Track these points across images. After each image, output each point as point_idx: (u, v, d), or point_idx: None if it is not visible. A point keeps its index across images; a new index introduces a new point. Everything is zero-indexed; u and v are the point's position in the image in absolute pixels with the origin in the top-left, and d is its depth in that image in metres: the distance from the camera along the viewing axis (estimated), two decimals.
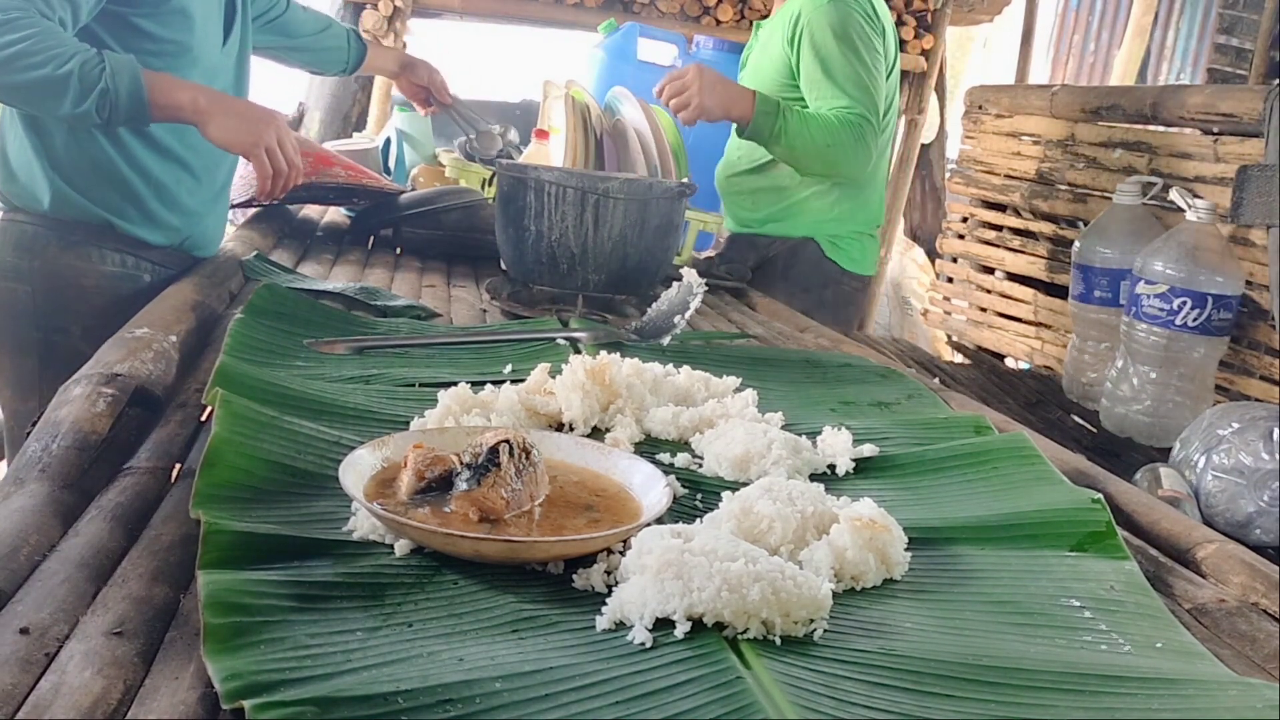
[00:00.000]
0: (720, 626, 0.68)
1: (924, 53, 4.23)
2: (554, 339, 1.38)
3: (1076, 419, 2.27)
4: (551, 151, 2.24)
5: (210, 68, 1.71)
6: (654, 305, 1.47)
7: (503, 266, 1.78)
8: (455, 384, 1.04)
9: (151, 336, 1.20)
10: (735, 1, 4.04)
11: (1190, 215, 2.03)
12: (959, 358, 3.12)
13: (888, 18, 2.26)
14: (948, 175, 3.42)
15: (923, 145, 4.65)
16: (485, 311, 1.68)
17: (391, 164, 2.65)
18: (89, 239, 1.67)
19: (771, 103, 2.04)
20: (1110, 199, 2.33)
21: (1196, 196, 2.13)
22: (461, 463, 0.81)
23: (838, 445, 1.02)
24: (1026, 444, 1.04)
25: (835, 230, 2.32)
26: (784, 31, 2.18)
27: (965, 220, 3.12)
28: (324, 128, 3.70)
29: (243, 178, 2.09)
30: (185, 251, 1.78)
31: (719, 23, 4.03)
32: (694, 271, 1.42)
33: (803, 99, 2.14)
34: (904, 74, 4.33)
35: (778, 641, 0.68)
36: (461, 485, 0.79)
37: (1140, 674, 0.67)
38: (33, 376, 1.67)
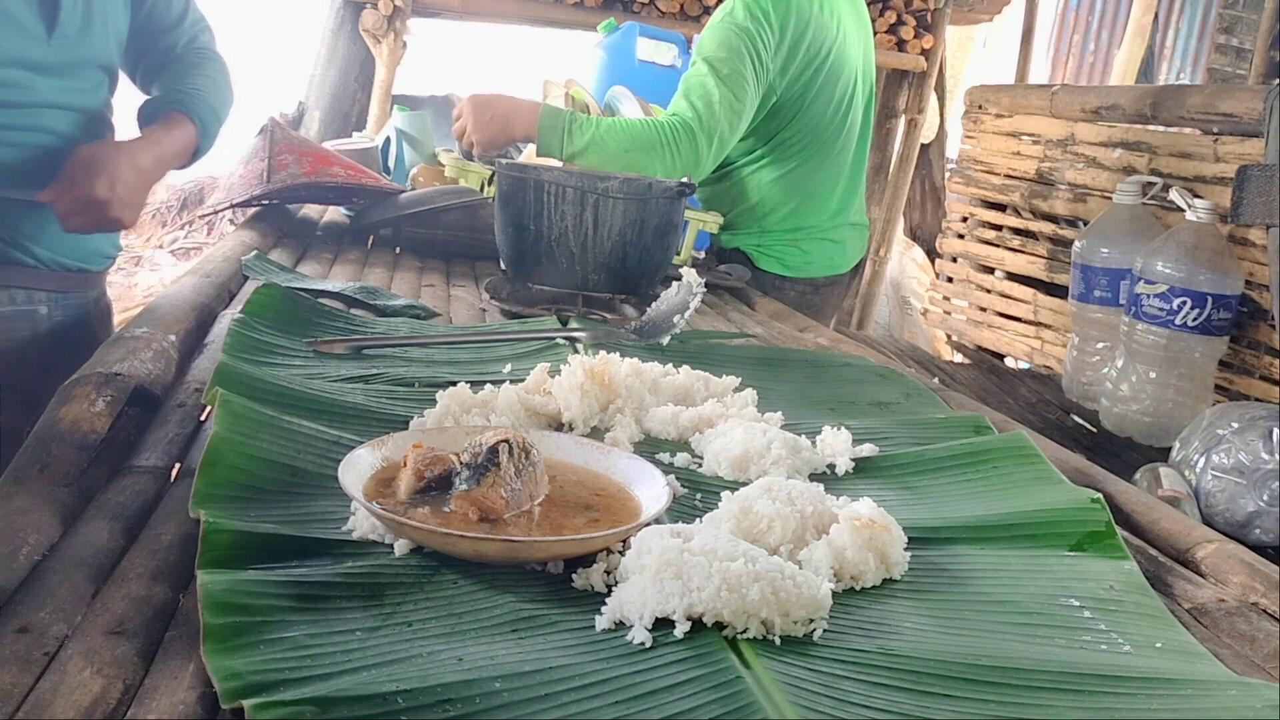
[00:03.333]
0: (720, 626, 0.68)
1: (924, 53, 4.23)
2: (553, 339, 1.38)
3: (1076, 419, 2.27)
4: None
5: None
6: (653, 305, 1.47)
7: (502, 266, 1.78)
8: (455, 384, 1.03)
9: (151, 336, 1.20)
10: None
11: (1190, 215, 2.03)
12: (959, 358, 3.12)
13: (818, 15, 2.13)
14: (948, 175, 3.43)
15: (923, 145, 4.65)
16: (485, 311, 1.68)
17: (391, 164, 2.65)
18: None
19: (558, 118, 1.98)
20: (1110, 199, 2.33)
21: (1196, 196, 2.13)
22: (461, 462, 0.81)
23: (837, 445, 1.02)
24: (1026, 444, 1.04)
25: (758, 239, 2.25)
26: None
27: (965, 220, 3.13)
28: (324, 127, 3.71)
29: (242, 176, 2.09)
30: (79, 268, 1.59)
31: None
32: (694, 271, 1.42)
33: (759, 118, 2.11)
34: (904, 74, 4.34)
35: (777, 641, 0.68)
36: (461, 485, 0.79)
37: (1140, 674, 0.67)
38: None
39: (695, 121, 1.99)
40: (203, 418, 1.03)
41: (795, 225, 2.27)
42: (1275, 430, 1.68)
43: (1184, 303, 1.98)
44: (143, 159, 1.52)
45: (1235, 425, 1.73)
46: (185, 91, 1.66)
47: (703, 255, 2.35)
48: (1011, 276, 2.90)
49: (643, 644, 0.66)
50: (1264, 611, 0.83)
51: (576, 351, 1.31)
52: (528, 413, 1.04)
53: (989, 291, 2.99)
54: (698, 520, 0.82)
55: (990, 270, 3.00)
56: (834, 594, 0.73)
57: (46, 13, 1.45)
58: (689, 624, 0.67)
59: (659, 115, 2.06)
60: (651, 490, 0.85)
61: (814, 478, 0.98)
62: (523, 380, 1.09)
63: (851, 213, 2.37)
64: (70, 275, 1.62)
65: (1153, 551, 0.93)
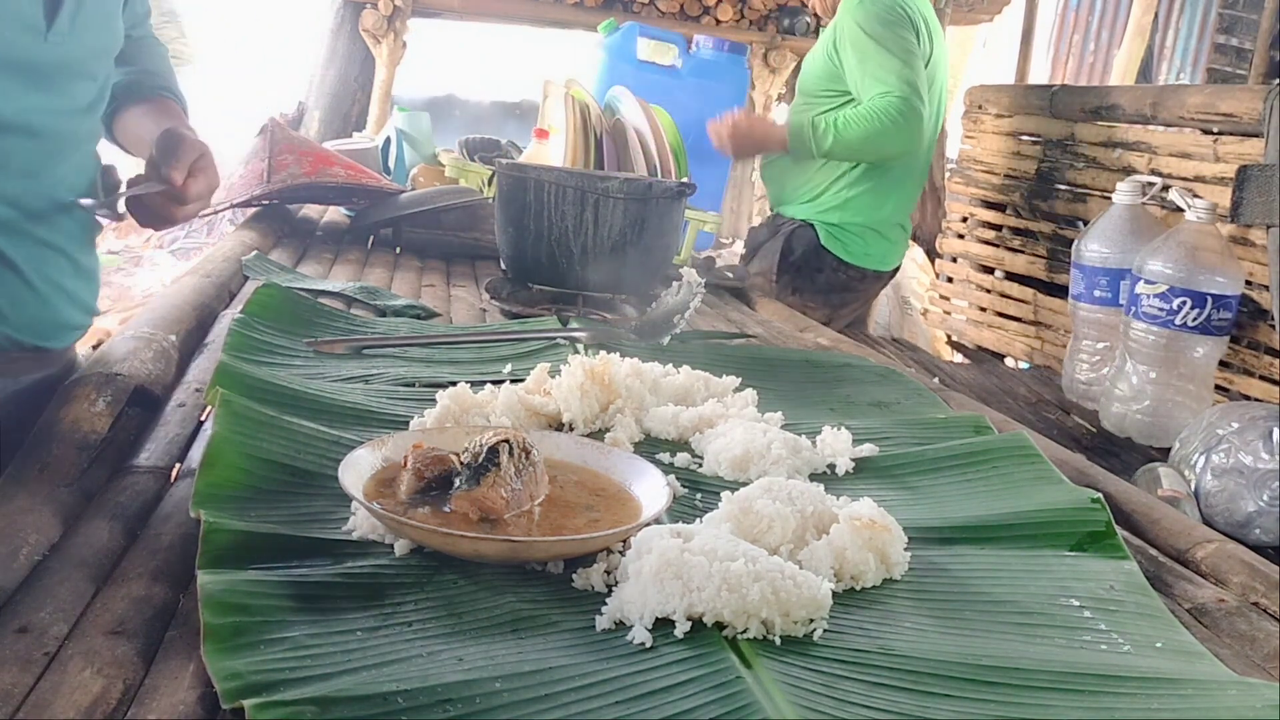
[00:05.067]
0: (720, 626, 0.68)
1: None
2: (554, 339, 1.38)
3: (1076, 419, 2.27)
4: (551, 151, 2.24)
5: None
6: (654, 305, 1.47)
7: (502, 266, 1.78)
8: (455, 384, 1.03)
9: (151, 336, 1.20)
10: (735, 1, 4.04)
11: (1190, 215, 2.03)
12: (959, 358, 3.12)
13: (923, 14, 2.39)
14: (948, 175, 3.42)
15: None
16: (485, 311, 1.68)
17: (391, 164, 2.65)
18: None
19: (802, 129, 2.28)
20: (1110, 199, 2.33)
21: (1196, 196, 2.13)
22: (461, 463, 0.81)
23: (837, 445, 1.02)
24: (1026, 444, 1.04)
25: (835, 219, 2.44)
26: (828, 38, 2.40)
27: (965, 220, 3.12)
28: (324, 127, 3.71)
29: (242, 177, 2.09)
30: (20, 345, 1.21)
31: (719, 22, 4.04)
32: (694, 271, 1.42)
33: (844, 100, 2.35)
34: None
35: (777, 641, 0.68)
36: (461, 485, 0.79)
37: (1140, 674, 0.67)
38: None
39: (911, 95, 2.25)
40: (203, 418, 1.03)
41: (870, 216, 2.48)
42: (1275, 430, 1.68)
43: (1184, 303, 1.98)
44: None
45: (1235, 425, 1.73)
46: (159, 74, 1.45)
47: (770, 215, 2.57)
48: (1011, 276, 2.90)
49: (643, 644, 0.66)
50: (1264, 611, 0.83)
51: (576, 351, 1.31)
52: (528, 413, 1.04)
53: (989, 291, 2.99)
54: (698, 520, 0.82)
55: (990, 270, 3.00)
56: (834, 594, 0.73)
57: (48, 8, 1.16)
58: (689, 624, 0.67)
59: (869, 102, 2.27)
60: (651, 490, 0.85)
61: (814, 478, 0.98)
62: (523, 380, 1.09)
63: (905, 214, 2.60)
64: (26, 355, 1.22)
65: (1153, 551, 0.93)
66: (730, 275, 2.18)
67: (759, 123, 2.38)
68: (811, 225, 2.47)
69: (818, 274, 2.49)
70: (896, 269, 2.66)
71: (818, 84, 2.45)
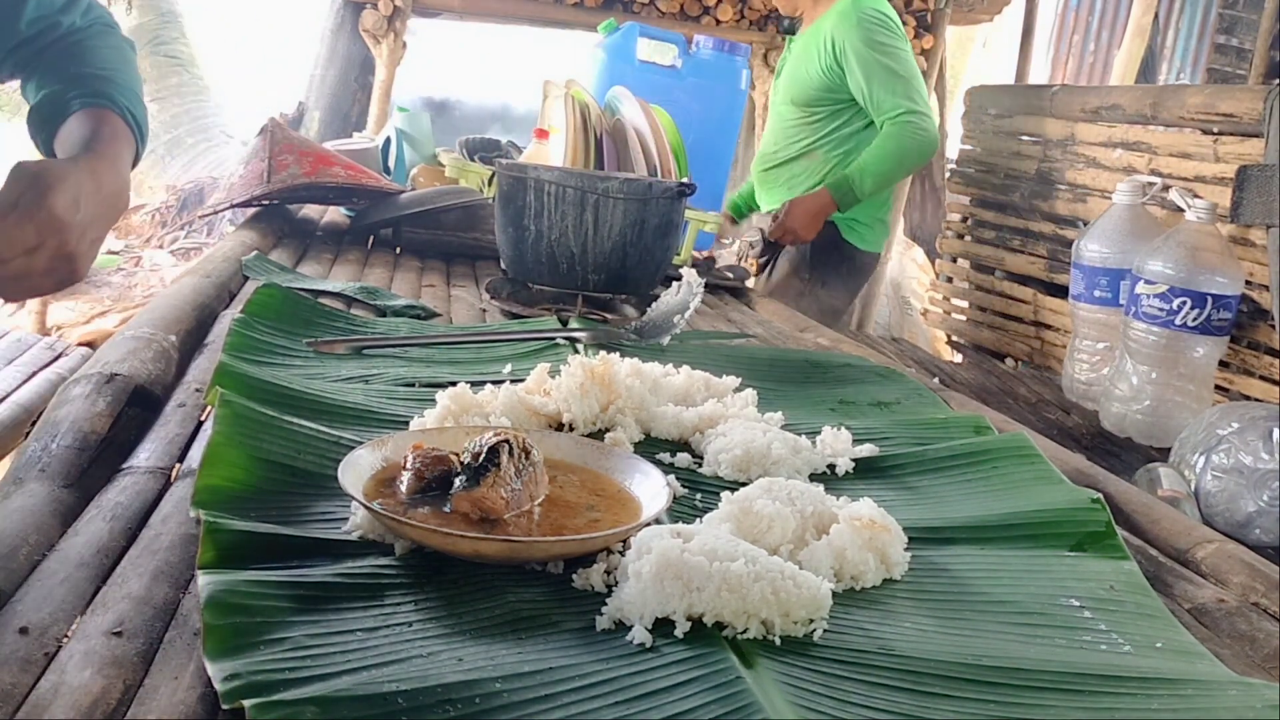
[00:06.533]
0: (720, 626, 0.68)
1: (924, 53, 4.23)
2: (554, 339, 1.38)
3: (1076, 419, 2.27)
4: (551, 151, 2.24)
5: None
6: (654, 305, 1.47)
7: (502, 266, 1.78)
8: (455, 384, 1.03)
9: (151, 336, 1.20)
10: (735, 1, 4.04)
11: (1190, 215, 2.03)
12: (959, 358, 3.12)
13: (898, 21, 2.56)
14: (948, 175, 3.43)
15: None
16: (485, 311, 1.68)
17: (391, 164, 2.65)
18: None
19: (842, 181, 2.45)
20: (1110, 199, 2.33)
21: (1196, 196, 2.13)
22: (461, 463, 0.80)
23: (838, 445, 1.02)
24: (1026, 444, 1.04)
25: (853, 214, 2.59)
26: (818, 52, 2.50)
27: (965, 220, 3.12)
28: (324, 127, 3.71)
29: (242, 177, 2.09)
30: None
31: (719, 22, 4.04)
32: (694, 271, 1.42)
33: (843, 106, 2.53)
34: None
35: (778, 641, 0.68)
36: (461, 485, 0.79)
37: (1140, 674, 0.67)
38: None
39: (923, 109, 2.43)
40: (203, 418, 1.03)
41: (879, 207, 2.65)
42: (1275, 430, 1.68)
43: (1184, 303, 1.98)
44: (106, 179, 0.99)
45: (1235, 425, 1.73)
46: (100, 77, 1.13)
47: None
48: (1011, 276, 2.90)
49: (643, 644, 0.66)
50: (1264, 611, 0.83)
51: (576, 351, 1.31)
52: (528, 413, 1.04)
53: (989, 291, 2.99)
54: (698, 520, 0.82)
55: (990, 270, 3.00)
56: (834, 594, 0.73)
57: None
58: (689, 624, 0.67)
59: (884, 125, 2.45)
60: (651, 490, 0.85)
61: (814, 478, 0.98)
62: (523, 380, 1.09)
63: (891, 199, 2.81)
64: None
65: (1153, 551, 0.93)
66: (730, 275, 2.18)
67: (806, 203, 2.53)
68: (831, 222, 2.60)
69: (841, 265, 2.66)
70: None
71: (813, 95, 2.56)
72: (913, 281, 5.12)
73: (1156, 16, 6.19)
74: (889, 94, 2.43)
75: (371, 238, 2.22)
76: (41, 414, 0.97)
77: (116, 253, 5.59)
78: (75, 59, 1.14)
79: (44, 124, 1.12)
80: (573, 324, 1.50)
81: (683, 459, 0.99)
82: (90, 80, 1.12)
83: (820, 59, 2.51)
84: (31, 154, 1.09)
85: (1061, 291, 2.61)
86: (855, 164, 2.47)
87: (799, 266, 2.65)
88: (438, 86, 4.16)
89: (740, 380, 1.18)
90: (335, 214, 2.43)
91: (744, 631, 0.68)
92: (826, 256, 2.65)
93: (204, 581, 0.65)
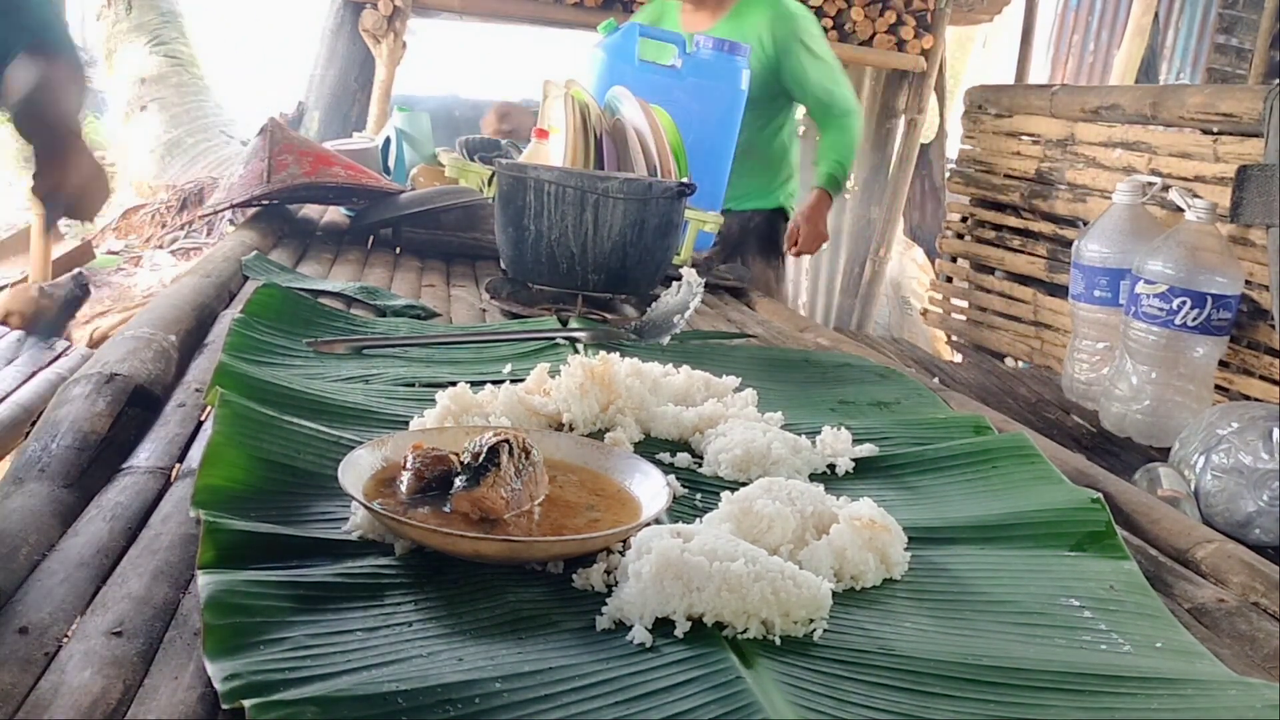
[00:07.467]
0: (720, 626, 0.68)
1: (924, 53, 4.23)
2: (553, 339, 1.38)
3: (1076, 419, 2.27)
4: (551, 151, 2.24)
5: None
6: (654, 305, 1.47)
7: (502, 266, 1.78)
8: (455, 384, 1.03)
9: (151, 336, 1.20)
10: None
11: (1190, 215, 2.03)
12: (959, 358, 3.12)
13: None
14: (948, 175, 3.43)
15: (922, 145, 4.65)
16: (485, 311, 1.68)
17: (391, 164, 2.64)
18: None
19: (831, 181, 2.60)
20: (1110, 199, 2.33)
21: (1196, 196, 2.13)
22: (461, 463, 0.80)
23: (838, 445, 1.02)
24: (1026, 444, 1.04)
25: (793, 189, 2.80)
26: (757, 44, 2.60)
27: (965, 220, 3.12)
28: (324, 127, 3.71)
29: (242, 177, 2.09)
30: None
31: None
32: (694, 271, 1.42)
33: (787, 102, 2.66)
34: (904, 74, 4.34)
35: (778, 641, 0.68)
36: (461, 485, 0.79)
37: (1140, 674, 0.67)
38: None
39: (856, 98, 2.65)
40: (203, 418, 1.03)
41: (795, 166, 2.83)
42: (1275, 430, 1.68)
43: (1184, 303, 1.98)
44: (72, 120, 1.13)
45: (1235, 425, 1.73)
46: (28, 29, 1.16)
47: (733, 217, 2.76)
48: (1011, 276, 2.90)
49: (643, 644, 0.66)
50: (1264, 611, 0.83)
51: (576, 351, 1.31)
52: (528, 413, 1.04)
53: (989, 291, 2.99)
54: (698, 520, 0.82)
55: (990, 270, 3.00)
56: (834, 594, 0.73)
57: None
58: (689, 624, 0.67)
59: (839, 116, 2.62)
60: (651, 490, 0.85)
61: (814, 478, 0.98)
62: (522, 380, 1.09)
63: None
64: None
65: (1153, 551, 0.93)
66: (730, 275, 2.18)
67: (811, 212, 2.64)
68: (780, 207, 2.74)
69: (781, 239, 2.79)
70: None
71: (759, 92, 2.62)
72: (913, 281, 5.12)
73: (1156, 16, 6.19)
74: (836, 90, 2.59)
75: (371, 238, 2.22)
76: (41, 414, 0.97)
77: (116, 253, 5.59)
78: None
79: None
80: (573, 324, 1.50)
81: (683, 459, 0.99)
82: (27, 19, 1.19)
83: (757, 56, 2.59)
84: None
85: (1061, 291, 2.61)
86: (833, 159, 2.60)
87: (776, 253, 2.78)
88: (437, 86, 4.16)
89: (740, 380, 1.18)
90: (335, 214, 2.43)
91: (744, 631, 0.68)
92: (776, 239, 2.80)
93: (204, 581, 0.65)
